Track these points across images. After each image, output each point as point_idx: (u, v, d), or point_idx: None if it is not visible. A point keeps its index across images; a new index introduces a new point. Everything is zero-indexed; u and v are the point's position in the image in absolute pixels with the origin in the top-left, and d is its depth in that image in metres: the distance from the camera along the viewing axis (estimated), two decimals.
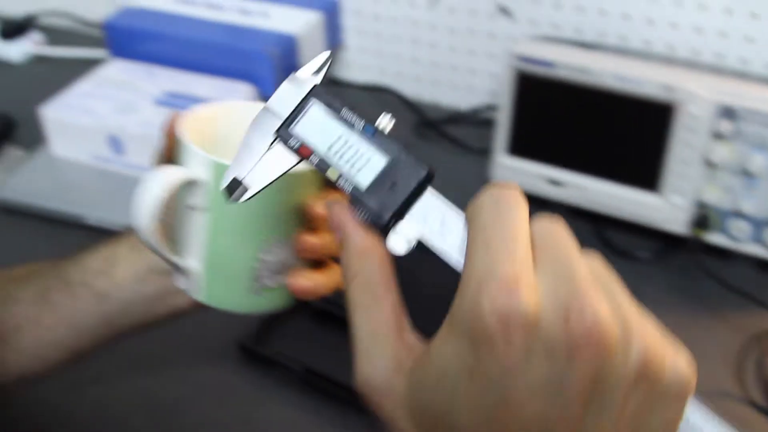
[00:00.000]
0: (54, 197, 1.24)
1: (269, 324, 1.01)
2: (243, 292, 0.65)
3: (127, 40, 1.43)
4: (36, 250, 1.18)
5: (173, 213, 0.64)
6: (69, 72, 1.56)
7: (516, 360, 0.38)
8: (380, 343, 0.45)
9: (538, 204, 1.18)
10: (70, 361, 0.80)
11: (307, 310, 1.02)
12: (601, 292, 0.39)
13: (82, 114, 1.27)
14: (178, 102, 1.28)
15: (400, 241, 0.45)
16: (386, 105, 1.46)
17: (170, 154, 0.65)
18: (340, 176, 0.46)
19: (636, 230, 1.13)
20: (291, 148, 0.48)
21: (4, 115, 1.44)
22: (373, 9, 1.44)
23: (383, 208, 0.45)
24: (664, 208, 1.07)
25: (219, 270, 0.64)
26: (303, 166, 0.49)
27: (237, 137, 0.52)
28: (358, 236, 0.46)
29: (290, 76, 0.51)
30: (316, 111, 0.48)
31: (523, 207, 0.42)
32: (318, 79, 0.50)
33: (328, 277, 0.67)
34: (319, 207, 0.62)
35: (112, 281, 0.75)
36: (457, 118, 1.41)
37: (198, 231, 0.63)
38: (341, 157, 0.47)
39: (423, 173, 0.46)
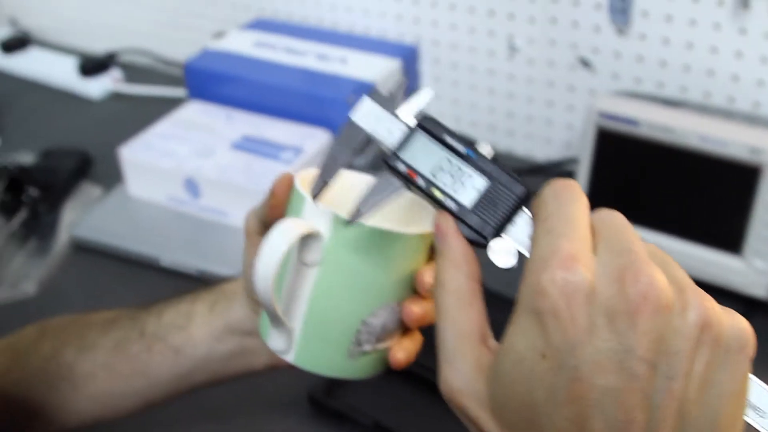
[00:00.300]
0: (128, 237, 1.25)
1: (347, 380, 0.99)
2: (338, 355, 0.63)
3: (207, 82, 1.44)
4: (108, 289, 1.19)
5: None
6: (146, 109, 1.58)
7: (581, 330, 0.41)
8: (463, 349, 0.47)
9: None
10: (141, 411, 0.81)
11: None
12: (655, 264, 0.42)
13: (160, 156, 1.28)
14: (254, 146, 1.28)
15: (501, 255, 0.49)
16: None
17: (274, 211, 0.66)
18: (445, 196, 0.50)
19: (714, 292, 1.09)
20: (399, 172, 0.51)
21: (81, 152, 1.46)
22: (451, 57, 1.43)
23: (484, 225, 0.49)
24: (746, 272, 1.05)
25: (319, 330, 0.63)
26: (417, 229, 0.53)
27: (343, 202, 0.55)
28: (457, 247, 0.49)
29: (372, 92, 0.55)
30: (421, 138, 0.51)
31: (582, 197, 0.46)
32: (413, 109, 0.54)
33: (415, 343, 0.67)
34: (428, 275, 0.62)
35: (188, 338, 0.76)
36: (534, 169, 1.39)
37: (305, 288, 0.61)
38: (445, 179, 0.50)
39: (521, 191, 0.49)
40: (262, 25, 1.56)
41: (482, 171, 0.50)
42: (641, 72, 1.26)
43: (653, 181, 1.09)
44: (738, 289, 1.06)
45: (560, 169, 1.37)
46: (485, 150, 0.51)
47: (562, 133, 1.39)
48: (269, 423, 0.98)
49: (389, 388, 0.99)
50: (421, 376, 0.96)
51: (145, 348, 0.77)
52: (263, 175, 1.21)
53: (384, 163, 0.52)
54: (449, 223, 0.49)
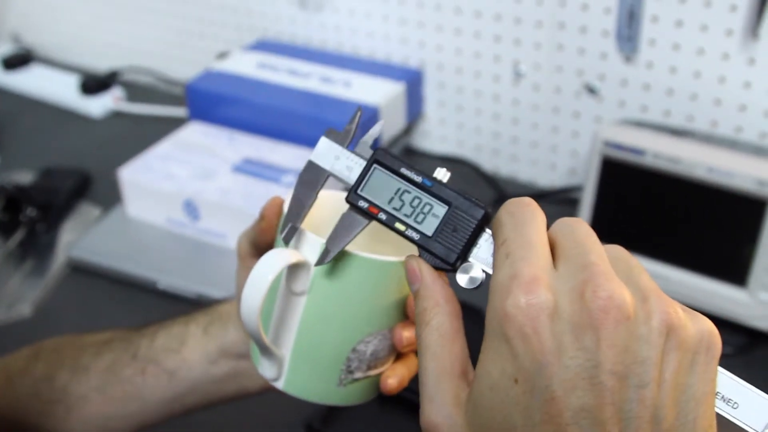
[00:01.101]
0: (126, 259, 1.23)
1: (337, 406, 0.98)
2: (329, 382, 0.63)
3: (208, 103, 1.43)
4: (104, 312, 1.18)
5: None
6: (147, 129, 1.58)
7: (548, 351, 0.41)
8: (443, 385, 0.47)
9: None
10: None
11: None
12: (615, 273, 0.42)
13: (159, 177, 1.27)
14: (255, 169, 1.27)
15: (466, 279, 0.50)
16: (463, 177, 1.44)
17: (264, 234, 0.66)
18: (407, 228, 0.51)
19: (718, 324, 1.07)
20: (360, 209, 0.53)
21: (81, 172, 1.45)
22: (456, 82, 1.42)
23: (449, 252, 0.50)
24: (751, 304, 1.03)
25: (308, 358, 0.62)
26: (404, 255, 0.53)
27: (331, 225, 0.55)
28: (435, 287, 0.49)
29: (328, 131, 0.57)
30: (377, 172, 0.53)
31: (538, 216, 0.47)
32: (349, 135, 0.57)
33: (409, 368, 0.67)
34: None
35: (182, 361, 0.76)
36: (538, 195, 1.38)
37: (293, 316, 0.61)
38: (406, 210, 0.51)
39: (480, 215, 0.50)
40: (265, 46, 1.55)
41: (440, 198, 0.51)
42: (648, 100, 1.25)
43: (658, 211, 1.08)
44: (743, 321, 1.05)
45: (564, 196, 1.36)
46: (441, 174, 0.53)
47: (567, 160, 1.38)
48: None
49: (387, 418, 0.98)
50: (418, 405, 0.94)
51: (138, 371, 0.77)
52: (264, 198, 1.16)
53: (347, 202, 0.53)
54: (420, 264, 0.50)
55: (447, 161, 1.49)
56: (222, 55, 1.58)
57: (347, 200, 0.53)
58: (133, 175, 1.28)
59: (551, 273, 0.44)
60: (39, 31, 1.97)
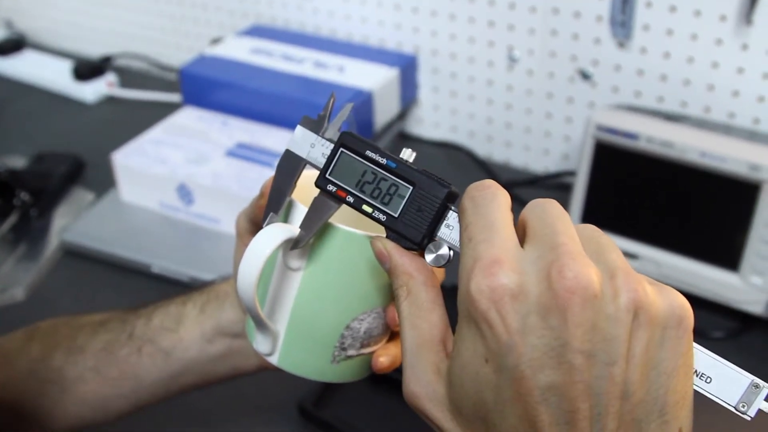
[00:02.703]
0: (119, 243, 1.23)
1: (330, 387, 0.99)
2: (322, 359, 0.64)
3: (202, 88, 1.43)
4: (98, 295, 1.18)
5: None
6: (141, 114, 1.58)
7: (514, 332, 0.42)
8: (423, 354, 0.48)
9: None
10: (130, 413, 0.81)
11: (370, 375, 1.00)
12: (584, 253, 0.43)
13: (153, 162, 1.26)
14: (249, 154, 1.27)
15: (432, 257, 0.51)
16: (457, 163, 1.44)
17: (263, 211, 0.65)
18: (374, 209, 0.52)
19: (710, 308, 1.09)
20: (330, 193, 0.54)
21: (74, 157, 1.44)
22: (450, 68, 1.42)
23: (415, 232, 0.51)
24: (743, 289, 1.04)
25: (303, 334, 0.63)
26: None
27: None
28: (404, 261, 0.51)
29: (303, 120, 0.58)
30: (344, 156, 0.54)
31: (500, 197, 0.47)
32: (334, 125, 0.58)
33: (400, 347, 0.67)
34: None
35: (178, 340, 0.76)
36: (531, 180, 1.38)
37: (289, 292, 0.62)
38: (372, 192, 0.53)
39: (443, 193, 0.51)
40: (259, 31, 1.55)
41: (405, 179, 0.52)
42: (641, 85, 1.25)
43: (651, 195, 1.08)
44: (735, 305, 1.05)
45: (558, 181, 1.37)
46: (407, 155, 0.54)
47: (560, 145, 1.38)
48: (257, 431, 0.97)
49: (379, 399, 0.98)
50: None
51: (134, 350, 0.77)
52: (257, 182, 1.18)
53: (317, 187, 0.55)
54: (385, 244, 0.52)
55: (441, 147, 1.49)
56: (216, 41, 1.58)
57: (316, 185, 0.55)
58: (126, 159, 1.28)
59: (517, 253, 0.44)
60: (31, 16, 1.96)
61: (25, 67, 1.81)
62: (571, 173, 1.33)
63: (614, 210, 1.12)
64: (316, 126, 0.58)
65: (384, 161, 0.53)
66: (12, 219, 1.29)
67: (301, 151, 0.57)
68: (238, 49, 1.49)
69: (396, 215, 0.51)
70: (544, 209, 0.46)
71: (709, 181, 1.02)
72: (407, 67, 1.43)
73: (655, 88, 1.24)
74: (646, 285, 0.43)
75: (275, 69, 1.42)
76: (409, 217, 0.51)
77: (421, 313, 0.49)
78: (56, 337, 0.82)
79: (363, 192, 0.53)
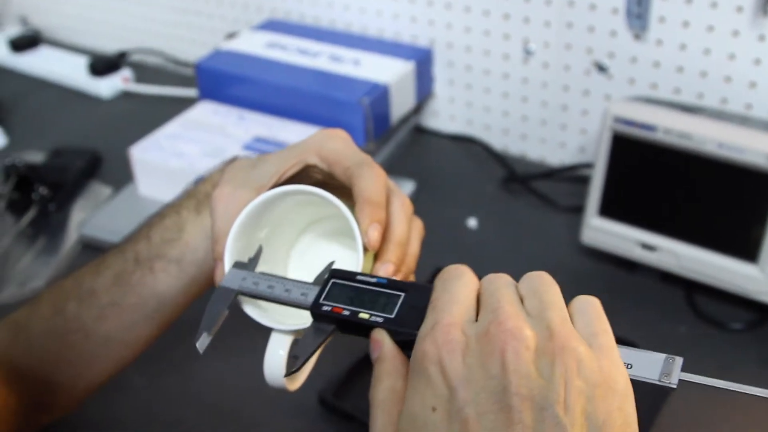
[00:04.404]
0: None
1: (351, 378, 0.99)
2: None
3: (218, 82, 1.44)
4: None
5: None
6: (156, 109, 1.58)
7: (460, 377, 0.47)
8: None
9: (627, 267, 1.15)
10: (158, 336, 0.83)
11: None
12: (520, 314, 0.49)
13: (170, 156, 1.27)
14: (266, 147, 1.27)
15: None
16: (473, 156, 1.44)
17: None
18: (371, 315, 0.56)
19: (729, 299, 1.09)
20: (325, 313, 0.58)
21: (91, 151, 1.45)
22: (465, 60, 1.42)
23: (413, 323, 0.54)
24: (761, 280, 1.03)
25: None
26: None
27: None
28: (392, 356, 0.54)
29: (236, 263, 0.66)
30: (336, 284, 0.59)
31: (464, 276, 0.53)
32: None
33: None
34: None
35: (185, 245, 0.78)
36: (548, 173, 1.38)
37: None
38: (368, 303, 0.57)
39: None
40: (274, 26, 1.55)
41: (396, 288, 0.57)
42: (657, 77, 1.25)
43: (668, 187, 1.08)
44: (754, 296, 1.05)
45: (574, 174, 1.37)
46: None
47: (576, 138, 1.38)
48: (278, 423, 0.97)
49: None
50: None
51: (146, 271, 0.78)
52: None
53: (311, 313, 0.59)
54: (382, 336, 0.55)
55: (456, 140, 1.49)
56: (231, 36, 1.58)
57: (311, 310, 0.59)
58: (144, 153, 1.29)
59: (471, 321, 0.50)
60: (46, 13, 1.97)
61: (40, 62, 1.82)
62: (588, 166, 1.33)
63: (632, 202, 1.12)
64: (246, 266, 0.66)
65: (374, 279, 0.58)
66: (31, 213, 1.30)
67: (279, 296, 0.62)
68: (254, 44, 1.49)
69: (392, 316, 0.55)
70: (491, 282, 0.52)
71: (727, 172, 1.02)
72: (423, 61, 1.43)
73: (671, 80, 1.24)
74: (580, 346, 0.47)
75: (291, 63, 1.42)
76: (405, 315, 0.55)
77: (395, 399, 0.52)
78: (62, 291, 0.83)
79: (357, 306, 0.57)
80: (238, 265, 0.66)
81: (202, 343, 0.62)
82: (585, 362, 0.46)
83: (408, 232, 0.68)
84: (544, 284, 0.52)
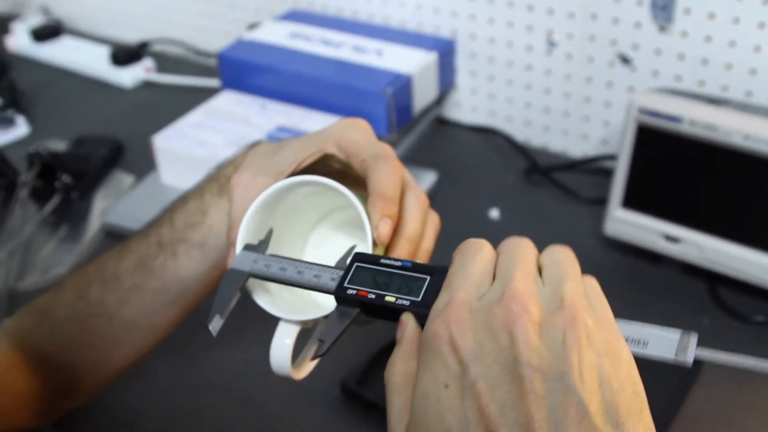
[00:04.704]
0: None
1: (373, 367, 0.99)
2: None
3: (241, 72, 1.44)
4: None
5: None
6: (178, 99, 1.58)
7: (471, 352, 0.47)
8: (405, 418, 0.51)
9: (650, 259, 1.15)
10: (179, 321, 0.83)
11: None
12: (533, 287, 0.49)
13: (193, 144, 1.27)
14: (288, 137, 1.27)
15: None
16: (495, 148, 1.44)
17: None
18: (397, 298, 0.56)
19: (752, 292, 1.08)
20: (350, 297, 0.58)
21: (113, 140, 1.45)
22: (488, 52, 1.42)
23: None
24: None
25: None
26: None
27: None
28: (412, 339, 0.53)
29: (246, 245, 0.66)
30: (360, 269, 0.59)
31: (483, 251, 0.53)
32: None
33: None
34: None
35: (208, 229, 0.78)
36: (570, 165, 1.38)
37: None
38: (393, 286, 0.57)
39: None
40: (296, 16, 1.56)
41: (422, 271, 0.57)
42: (682, 70, 1.25)
43: (693, 178, 1.08)
44: None
45: (597, 166, 1.36)
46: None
47: (599, 130, 1.37)
48: (301, 412, 0.98)
49: None
50: None
51: (169, 256, 0.79)
52: None
53: (336, 297, 0.58)
54: (408, 318, 0.55)
55: (478, 132, 1.49)
56: (253, 26, 1.58)
57: (335, 294, 0.59)
58: (167, 142, 1.29)
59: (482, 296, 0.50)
60: (68, 3, 1.97)
61: (63, 52, 1.83)
62: (610, 157, 1.32)
63: (655, 193, 1.11)
64: (255, 248, 0.65)
65: (399, 263, 0.58)
66: (54, 201, 1.31)
67: (308, 281, 0.61)
68: (276, 34, 1.49)
69: (419, 299, 0.55)
70: (509, 252, 0.52)
71: (753, 164, 1.02)
72: (445, 52, 1.43)
73: (696, 72, 1.24)
74: (588, 318, 0.47)
75: (314, 53, 1.42)
76: (431, 297, 0.54)
77: (408, 382, 0.52)
78: (85, 276, 0.83)
79: (383, 289, 0.57)
80: (248, 247, 0.65)
81: (215, 325, 0.62)
82: (593, 333, 0.47)
83: (421, 227, 0.67)
84: (565, 257, 0.52)
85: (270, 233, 0.67)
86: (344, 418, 0.96)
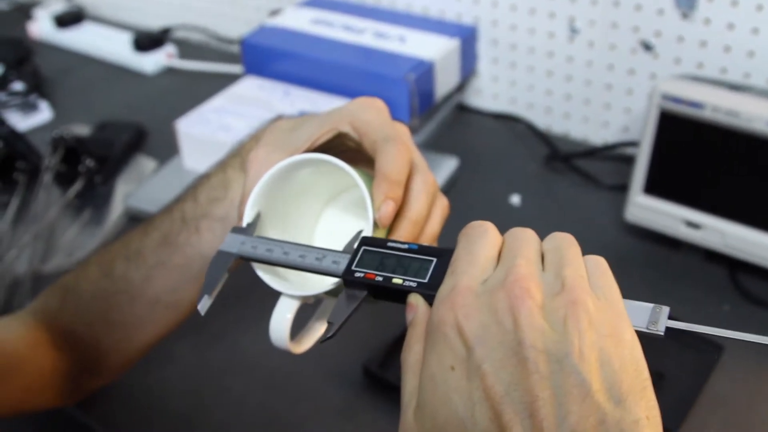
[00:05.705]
0: None
1: (395, 349, 0.99)
2: None
3: (264, 58, 1.44)
4: None
5: None
6: (200, 85, 1.59)
7: (476, 334, 0.48)
8: (414, 399, 0.52)
9: (671, 246, 1.15)
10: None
11: None
12: (535, 272, 0.50)
13: (216, 129, 1.28)
14: None
15: None
16: (516, 135, 1.44)
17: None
18: (404, 280, 0.57)
19: None
20: (357, 279, 0.58)
21: (136, 125, 1.46)
22: (510, 39, 1.42)
23: None
24: None
25: None
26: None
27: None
28: (423, 322, 0.54)
29: (234, 228, 0.67)
30: (367, 252, 0.60)
31: (488, 234, 0.54)
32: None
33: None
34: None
35: (230, 203, 0.79)
36: (591, 152, 1.38)
37: None
38: (400, 269, 0.57)
39: None
40: (318, 2, 1.56)
41: (429, 254, 0.58)
42: (704, 57, 1.24)
43: (714, 164, 1.08)
44: None
45: (618, 152, 1.36)
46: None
47: (620, 117, 1.37)
48: (324, 393, 0.98)
49: None
50: None
51: (192, 231, 0.79)
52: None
53: (344, 280, 0.59)
54: (418, 300, 0.55)
55: (499, 119, 1.49)
56: (274, 13, 1.59)
57: (343, 277, 0.59)
58: (190, 127, 1.30)
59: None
60: None
61: (85, 38, 1.84)
62: (631, 144, 1.32)
63: (677, 179, 1.11)
64: (245, 230, 0.66)
65: (406, 246, 0.59)
66: (77, 185, 1.31)
67: (313, 265, 0.62)
68: (299, 20, 1.50)
69: (426, 281, 0.56)
70: (513, 238, 0.54)
71: None
72: (467, 38, 1.43)
73: (718, 60, 1.23)
74: (589, 300, 0.48)
75: (336, 39, 1.43)
76: (438, 279, 0.55)
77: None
78: (109, 254, 0.84)
79: (390, 272, 0.58)
80: (236, 230, 0.67)
81: (204, 305, 0.64)
82: (595, 315, 0.48)
83: (426, 210, 0.67)
84: (566, 243, 0.53)
85: (258, 216, 0.68)
86: (366, 399, 0.97)
